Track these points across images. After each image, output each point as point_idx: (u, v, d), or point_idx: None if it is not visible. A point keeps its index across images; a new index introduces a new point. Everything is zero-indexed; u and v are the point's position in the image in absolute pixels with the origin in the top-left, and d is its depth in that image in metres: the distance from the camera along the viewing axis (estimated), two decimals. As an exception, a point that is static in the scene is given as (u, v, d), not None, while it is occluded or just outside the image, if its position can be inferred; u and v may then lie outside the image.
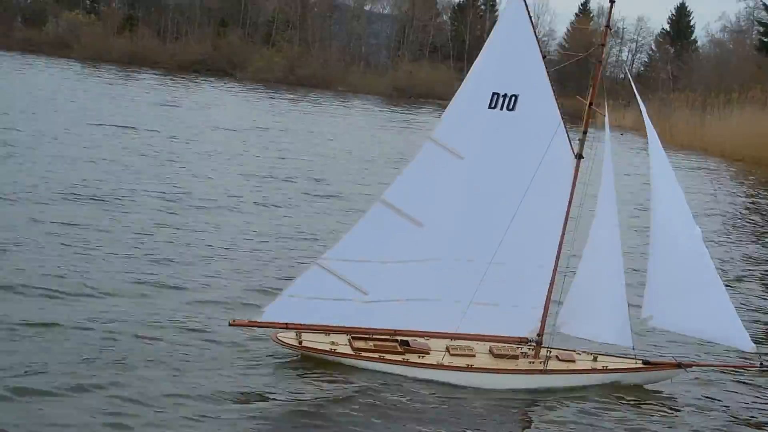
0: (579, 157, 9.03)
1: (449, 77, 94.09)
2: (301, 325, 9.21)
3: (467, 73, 9.22)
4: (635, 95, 9.90)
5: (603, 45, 9.14)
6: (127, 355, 9.65)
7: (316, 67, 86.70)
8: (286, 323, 9.06)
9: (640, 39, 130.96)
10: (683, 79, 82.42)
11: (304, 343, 9.19)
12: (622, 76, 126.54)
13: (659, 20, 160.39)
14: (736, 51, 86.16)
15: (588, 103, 8.88)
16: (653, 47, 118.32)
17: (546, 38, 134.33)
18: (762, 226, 22.24)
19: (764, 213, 25.81)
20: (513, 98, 8.51)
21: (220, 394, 8.55)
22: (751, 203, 28.37)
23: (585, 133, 8.94)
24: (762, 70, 58.14)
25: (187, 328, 10.51)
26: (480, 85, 8.53)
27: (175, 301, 11.54)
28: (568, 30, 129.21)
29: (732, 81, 62.08)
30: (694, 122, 58.87)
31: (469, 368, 8.76)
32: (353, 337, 9.18)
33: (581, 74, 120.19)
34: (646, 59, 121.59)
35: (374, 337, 9.13)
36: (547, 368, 8.78)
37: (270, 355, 9.45)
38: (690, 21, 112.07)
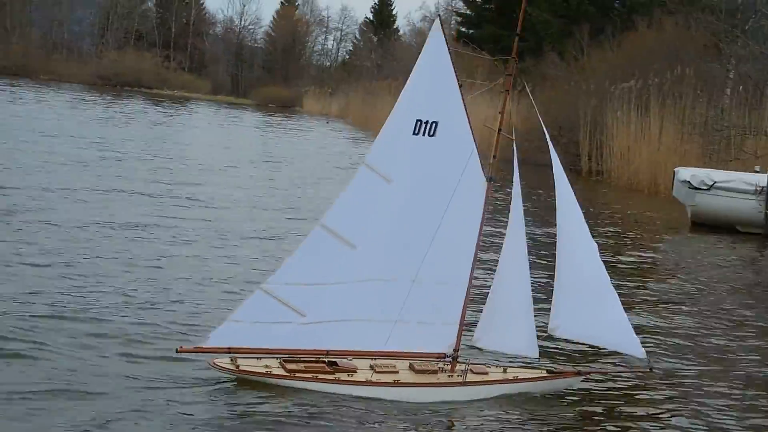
0: (490, 179, 9.46)
1: (155, 65, 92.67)
2: (242, 349, 9.12)
3: (397, 99, 9.53)
4: (540, 123, 10.36)
5: (510, 75, 9.57)
6: (51, 381, 9.08)
7: (17, 56, 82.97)
8: (229, 348, 9.10)
9: (344, 28, 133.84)
10: (386, 67, 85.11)
11: (241, 367, 9.05)
12: (328, 64, 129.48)
13: (363, 9, 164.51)
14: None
15: (498, 129, 9.35)
16: (357, 36, 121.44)
17: (252, 27, 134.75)
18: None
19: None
20: (434, 124, 9.16)
21: (154, 417, 8.38)
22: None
23: (494, 157, 9.43)
24: (460, 58, 60.92)
25: (125, 353, 9.97)
26: (406, 113, 9.15)
27: (113, 327, 10.74)
28: (273, 18, 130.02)
29: (431, 69, 64.64)
30: (397, 110, 60.82)
31: (396, 383, 9.18)
32: (285, 360, 9.29)
33: (287, 61, 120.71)
34: (351, 48, 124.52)
35: (303, 358, 9.30)
36: (466, 380, 9.29)
37: (206, 380, 9.29)
38: (392, 10, 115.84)
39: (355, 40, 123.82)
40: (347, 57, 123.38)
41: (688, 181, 22.97)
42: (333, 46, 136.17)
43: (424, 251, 9.24)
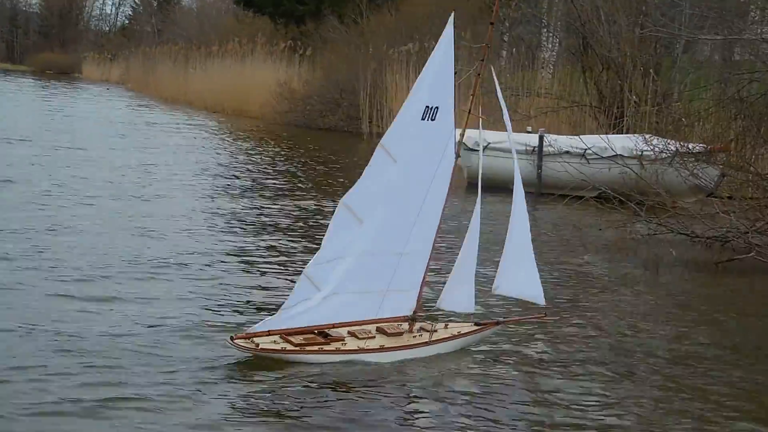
0: (457, 156, 10.06)
1: None
2: (285, 330, 9.63)
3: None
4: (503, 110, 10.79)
5: (482, 60, 9.88)
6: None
7: None
8: (269, 330, 9.59)
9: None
10: (167, 32, 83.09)
11: (261, 346, 9.36)
12: (107, 29, 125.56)
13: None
14: (216, 4, 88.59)
15: (468, 111, 9.98)
16: (136, 1, 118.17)
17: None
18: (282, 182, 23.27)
19: (261, 164, 26.99)
20: (436, 109, 9.76)
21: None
22: (246, 156, 29.49)
23: (462, 135, 10.07)
24: (240, 23, 60.14)
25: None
26: (418, 99, 9.79)
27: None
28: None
29: (213, 34, 63.63)
30: (178, 76, 59.60)
31: (382, 348, 9.82)
32: (286, 334, 9.65)
33: (64, 26, 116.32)
34: (130, 12, 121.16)
35: (297, 332, 9.74)
36: (431, 340, 10.09)
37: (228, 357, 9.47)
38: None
39: (134, 5, 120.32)
40: (126, 22, 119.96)
41: (464, 143, 23.22)
42: (112, 10, 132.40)
43: (412, 225, 10.04)
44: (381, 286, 10.12)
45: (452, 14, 10.04)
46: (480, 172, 10.45)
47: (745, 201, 16.81)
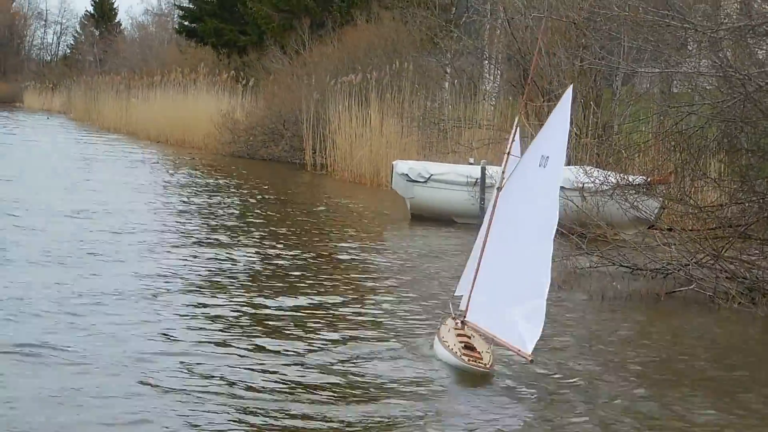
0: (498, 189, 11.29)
1: None
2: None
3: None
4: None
5: (523, 110, 11.61)
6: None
7: None
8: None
9: (64, 21, 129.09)
10: (109, 61, 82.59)
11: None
12: (48, 58, 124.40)
13: (83, 2, 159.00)
14: (158, 34, 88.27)
15: (507, 152, 11.34)
16: (78, 29, 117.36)
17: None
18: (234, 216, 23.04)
19: (212, 195, 26.77)
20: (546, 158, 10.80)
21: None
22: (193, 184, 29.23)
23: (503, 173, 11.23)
24: (182, 53, 59.96)
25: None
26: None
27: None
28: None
29: (155, 64, 63.37)
30: (121, 105, 59.19)
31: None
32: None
33: (5, 55, 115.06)
34: (72, 42, 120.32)
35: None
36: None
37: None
38: (113, 3, 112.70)
39: (75, 34, 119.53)
40: (68, 51, 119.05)
41: (406, 174, 23.22)
42: (53, 39, 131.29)
43: None
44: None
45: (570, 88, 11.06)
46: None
47: (685, 233, 16.91)
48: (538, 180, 10.65)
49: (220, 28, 53.16)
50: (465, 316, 11.17)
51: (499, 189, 11.11)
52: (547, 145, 10.75)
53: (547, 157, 10.58)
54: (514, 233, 10.75)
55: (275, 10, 47.63)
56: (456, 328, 11.08)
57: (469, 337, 10.84)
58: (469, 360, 10.27)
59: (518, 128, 11.52)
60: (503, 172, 11.15)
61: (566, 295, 15.14)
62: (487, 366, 10.27)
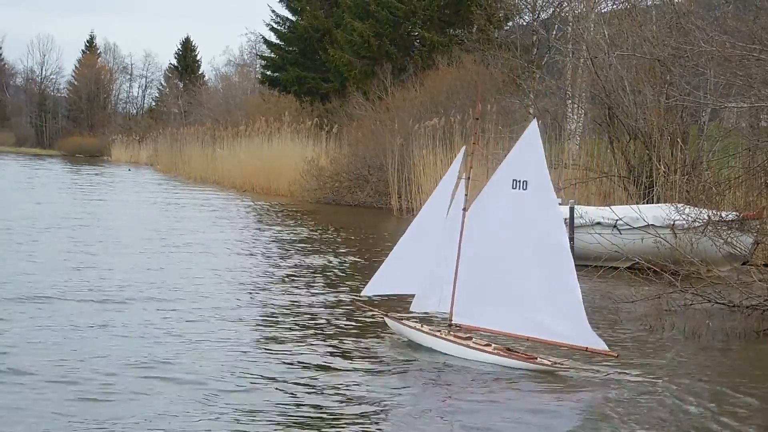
0: (464, 210, 12.62)
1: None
2: None
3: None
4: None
5: (477, 118, 13.78)
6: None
7: None
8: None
9: (149, 74, 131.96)
10: (193, 113, 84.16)
11: None
12: (134, 111, 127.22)
13: (167, 56, 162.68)
14: (241, 84, 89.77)
15: (467, 176, 12.73)
16: (163, 82, 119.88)
17: (54, 76, 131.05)
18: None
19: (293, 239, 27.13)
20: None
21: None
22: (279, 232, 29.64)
23: (466, 195, 12.74)
24: (266, 102, 60.84)
25: None
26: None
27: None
28: (75, 66, 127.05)
29: (239, 114, 64.36)
30: (206, 156, 60.18)
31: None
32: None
33: (92, 110, 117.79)
34: (157, 94, 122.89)
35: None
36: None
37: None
38: (196, 55, 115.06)
39: (160, 87, 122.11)
40: (153, 104, 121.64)
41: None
42: (138, 93, 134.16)
43: None
44: None
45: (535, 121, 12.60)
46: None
47: (781, 268, 16.67)
48: (518, 200, 12.17)
49: (302, 76, 53.98)
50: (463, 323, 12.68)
51: (465, 210, 12.51)
52: (520, 170, 12.12)
53: (525, 181, 12.04)
54: (496, 248, 12.25)
55: (356, 57, 48.24)
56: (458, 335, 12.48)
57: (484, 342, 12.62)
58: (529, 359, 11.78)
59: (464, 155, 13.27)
60: (466, 195, 12.64)
61: (661, 333, 14.99)
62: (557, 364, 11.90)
